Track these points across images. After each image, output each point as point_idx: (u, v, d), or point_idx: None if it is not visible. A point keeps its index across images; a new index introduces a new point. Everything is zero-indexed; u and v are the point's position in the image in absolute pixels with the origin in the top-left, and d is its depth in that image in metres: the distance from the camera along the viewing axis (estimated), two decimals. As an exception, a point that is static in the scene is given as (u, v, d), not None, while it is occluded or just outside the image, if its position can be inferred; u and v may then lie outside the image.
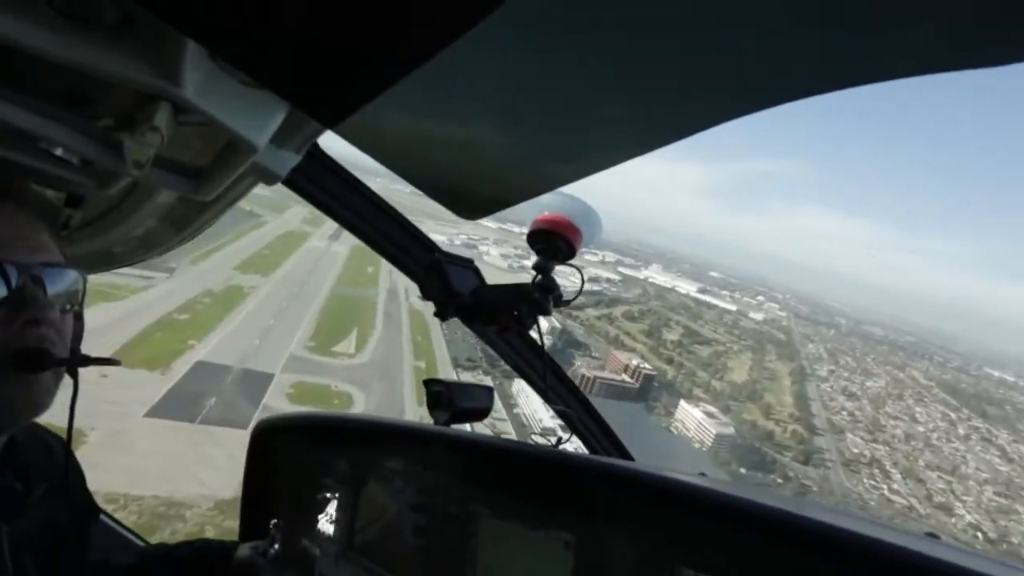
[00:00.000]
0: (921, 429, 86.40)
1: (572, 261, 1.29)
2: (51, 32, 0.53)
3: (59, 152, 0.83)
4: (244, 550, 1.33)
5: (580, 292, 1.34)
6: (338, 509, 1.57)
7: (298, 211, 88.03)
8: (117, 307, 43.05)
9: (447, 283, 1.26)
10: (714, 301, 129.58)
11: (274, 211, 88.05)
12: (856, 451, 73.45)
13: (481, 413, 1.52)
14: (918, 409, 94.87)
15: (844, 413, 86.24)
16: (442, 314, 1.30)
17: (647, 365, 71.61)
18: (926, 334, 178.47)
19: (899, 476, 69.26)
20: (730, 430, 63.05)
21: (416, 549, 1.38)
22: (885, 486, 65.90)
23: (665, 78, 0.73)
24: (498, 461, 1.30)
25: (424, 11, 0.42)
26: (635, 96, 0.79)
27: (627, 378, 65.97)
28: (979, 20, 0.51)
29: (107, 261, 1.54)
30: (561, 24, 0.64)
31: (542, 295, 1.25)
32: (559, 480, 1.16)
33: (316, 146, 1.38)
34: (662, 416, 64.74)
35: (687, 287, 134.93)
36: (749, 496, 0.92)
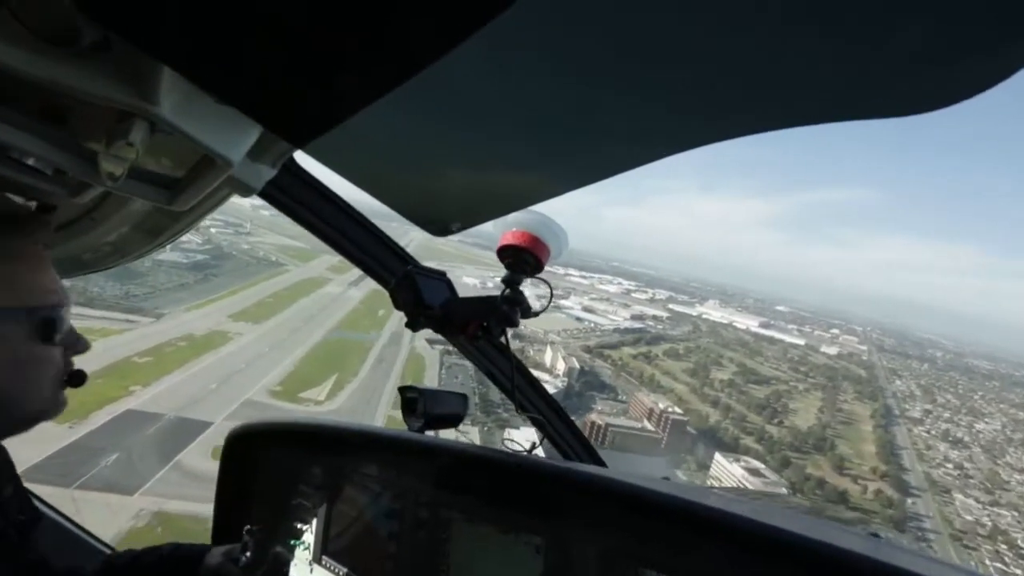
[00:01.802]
0: (1062, 487, 67.02)
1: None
2: (28, 52, 0.53)
3: (31, 162, 0.86)
4: (215, 556, 1.35)
5: (550, 303, 1.44)
6: (312, 515, 1.60)
7: (326, 260, 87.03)
8: (72, 353, 40.13)
9: (418, 294, 1.32)
10: (778, 336, 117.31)
11: (300, 260, 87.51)
12: (970, 518, 56.78)
13: (455, 419, 1.59)
14: (1054, 460, 74.75)
15: (949, 466, 68.93)
16: (413, 325, 1.37)
17: (676, 409, 60.53)
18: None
19: (1037, 554, 51.99)
20: (781, 491, 50.45)
21: (389, 555, 1.43)
22: (1019, 570, 49.12)
23: (645, 95, 0.75)
24: (471, 467, 1.35)
25: (395, 38, 0.41)
26: (613, 114, 0.82)
27: (648, 425, 55.28)
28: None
29: (76, 267, 1.53)
30: (536, 44, 0.65)
31: (510, 308, 1.32)
32: (530, 485, 1.22)
33: (292, 159, 1.44)
34: (692, 471, 53.17)
35: (747, 322, 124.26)
36: (709, 502, 0.99)
